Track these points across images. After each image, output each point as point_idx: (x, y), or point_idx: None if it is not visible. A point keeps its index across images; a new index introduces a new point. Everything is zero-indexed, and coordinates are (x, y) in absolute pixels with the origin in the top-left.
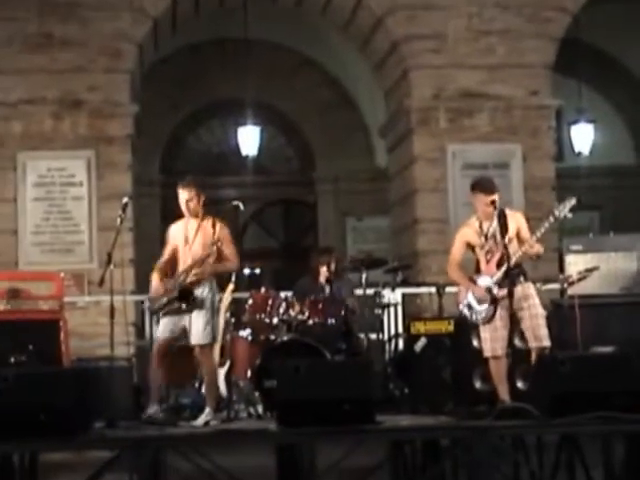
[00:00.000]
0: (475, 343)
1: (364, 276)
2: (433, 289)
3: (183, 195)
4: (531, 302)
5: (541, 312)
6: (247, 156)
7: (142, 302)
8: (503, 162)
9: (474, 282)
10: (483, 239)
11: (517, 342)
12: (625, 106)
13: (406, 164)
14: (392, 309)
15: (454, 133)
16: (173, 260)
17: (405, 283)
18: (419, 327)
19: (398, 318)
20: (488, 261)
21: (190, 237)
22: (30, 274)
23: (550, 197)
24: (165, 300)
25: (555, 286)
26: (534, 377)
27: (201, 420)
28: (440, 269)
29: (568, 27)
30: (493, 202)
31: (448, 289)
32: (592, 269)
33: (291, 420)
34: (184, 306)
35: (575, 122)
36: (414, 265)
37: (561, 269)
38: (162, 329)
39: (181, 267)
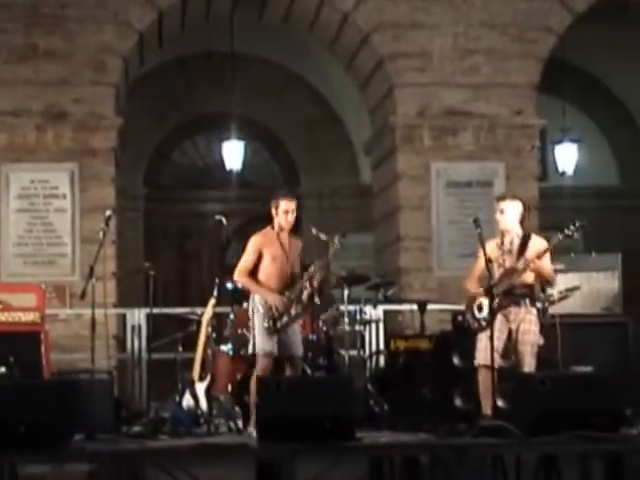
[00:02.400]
0: (456, 361)
1: (346, 292)
2: (415, 306)
3: (289, 206)
4: (527, 327)
5: (534, 340)
6: (231, 171)
7: (124, 315)
8: (487, 180)
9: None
10: (500, 252)
11: (498, 361)
12: (609, 127)
13: (390, 181)
14: (374, 326)
15: (438, 151)
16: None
17: (387, 300)
18: (400, 344)
19: (379, 335)
20: (499, 274)
21: (287, 249)
22: (12, 286)
23: (533, 217)
24: (293, 315)
25: (537, 305)
26: (514, 396)
27: None
28: (422, 286)
29: (553, 47)
30: (500, 210)
31: (430, 306)
32: (573, 288)
33: (271, 435)
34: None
35: (559, 142)
36: (396, 282)
37: (542, 288)
38: (271, 344)
39: (278, 279)
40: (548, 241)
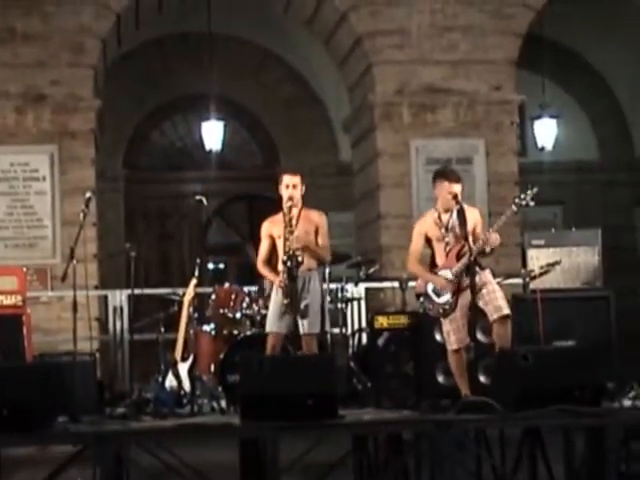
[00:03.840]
0: (438, 337)
1: (327, 271)
2: (396, 284)
3: (290, 180)
4: (490, 288)
5: (498, 289)
6: (211, 151)
7: (105, 297)
8: (466, 157)
9: (435, 274)
10: (443, 231)
11: (480, 336)
12: (588, 101)
13: (370, 159)
14: (355, 304)
15: (417, 128)
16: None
17: (368, 278)
18: (382, 321)
19: (361, 313)
20: (447, 254)
21: (293, 225)
22: None
23: (513, 192)
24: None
25: (517, 280)
26: (496, 371)
27: None
28: (403, 264)
29: (531, 23)
30: (456, 194)
31: (411, 284)
32: (554, 263)
33: (254, 415)
34: None
35: (538, 117)
36: (378, 260)
37: (523, 264)
38: (280, 325)
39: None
40: (479, 209)
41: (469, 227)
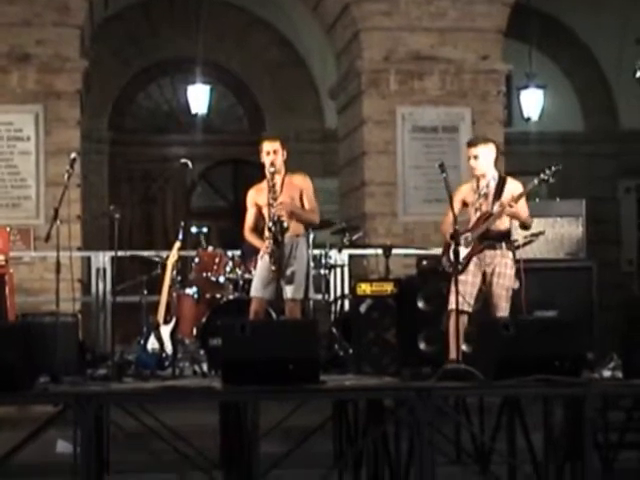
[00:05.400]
0: (420, 305)
1: (312, 237)
2: (380, 251)
3: (268, 147)
4: (502, 271)
5: (509, 284)
6: (196, 114)
7: (88, 258)
8: (452, 125)
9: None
10: (476, 197)
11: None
12: (574, 71)
13: (355, 126)
14: (339, 270)
15: (404, 96)
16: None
17: (352, 245)
18: (365, 288)
19: (344, 279)
20: (477, 219)
21: (277, 192)
22: None
23: (499, 162)
24: None
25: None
26: (478, 340)
27: None
28: (387, 231)
29: None
30: (470, 156)
31: (395, 251)
32: (538, 234)
33: (236, 379)
34: None
35: (525, 87)
36: (362, 227)
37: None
38: (263, 291)
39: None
40: (524, 184)
41: (505, 198)
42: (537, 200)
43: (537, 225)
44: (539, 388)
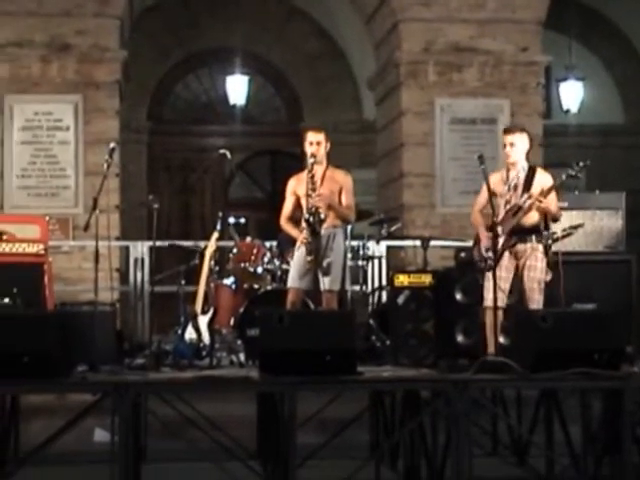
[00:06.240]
0: (458, 297)
1: (349, 228)
2: (418, 242)
3: (312, 137)
4: (533, 264)
5: (541, 277)
6: (235, 105)
7: (127, 248)
8: (491, 117)
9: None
10: (506, 188)
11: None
12: (614, 63)
13: (394, 117)
14: (376, 262)
15: (443, 87)
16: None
17: (390, 236)
18: (402, 280)
19: (382, 271)
20: (506, 212)
21: (317, 183)
22: (15, 217)
23: (537, 154)
24: None
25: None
26: (516, 333)
27: None
28: (425, 223)
29: None
30: (505, 144)
31: (432, 243)
32: (577, 226)
33: (273, 369)
34: None
35: (564, 79)
36: (400, 218)
37: (546, 226)
38: (300, 282)
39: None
40: (554, 177)
41: (534, 189)
42: (576, 192)
43: (576, 217)
44: (578, 381)
